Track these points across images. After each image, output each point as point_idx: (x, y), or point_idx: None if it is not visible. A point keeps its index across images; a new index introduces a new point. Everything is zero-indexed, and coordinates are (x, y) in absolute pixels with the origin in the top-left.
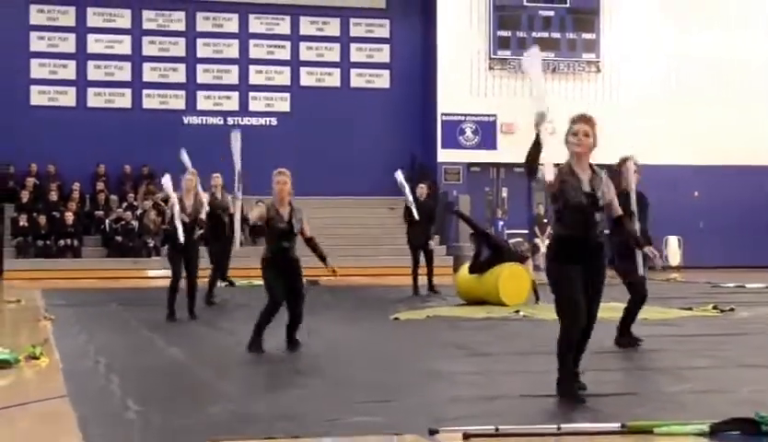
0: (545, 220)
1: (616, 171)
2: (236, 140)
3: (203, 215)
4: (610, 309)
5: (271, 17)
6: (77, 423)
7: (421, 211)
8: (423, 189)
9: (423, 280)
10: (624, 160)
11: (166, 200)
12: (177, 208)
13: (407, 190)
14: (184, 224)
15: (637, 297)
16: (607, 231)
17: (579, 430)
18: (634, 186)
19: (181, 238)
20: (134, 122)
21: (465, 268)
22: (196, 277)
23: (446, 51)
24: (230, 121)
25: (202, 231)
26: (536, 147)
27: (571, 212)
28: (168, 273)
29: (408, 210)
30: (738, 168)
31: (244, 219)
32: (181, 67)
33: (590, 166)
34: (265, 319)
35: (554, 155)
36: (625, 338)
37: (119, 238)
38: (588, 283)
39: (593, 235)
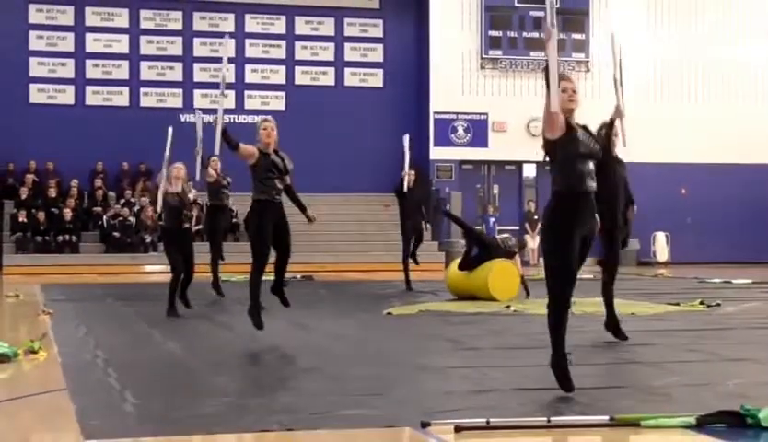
0: (536, 217)
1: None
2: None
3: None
4: (599, 305)
5: (266, 17)
6: (76, 415)
7: (409, 199)
8: (411, 175)
9: (412, 275)
10: (610, 124)
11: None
12: (164, 179)
13: (407, 157)
14: (169, 205)
15: (608, 273)
16: None
17: (568, 423)
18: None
19: (159, 207)
20: (132, 120)
21: (455, 264)
22: (194, 270)
23: (438, 50)
24: (226, 119)
25: (199, 227)
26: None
27: (574, 162)
28: (166, 268)
29: (401, 182)
30: (726, 166)
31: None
32: (178, 66)
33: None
34: (257, 279)
35: (542, 152)
36: (613, 323)
37: (116, 234)
38: (581, 241)
39: (592, 186)
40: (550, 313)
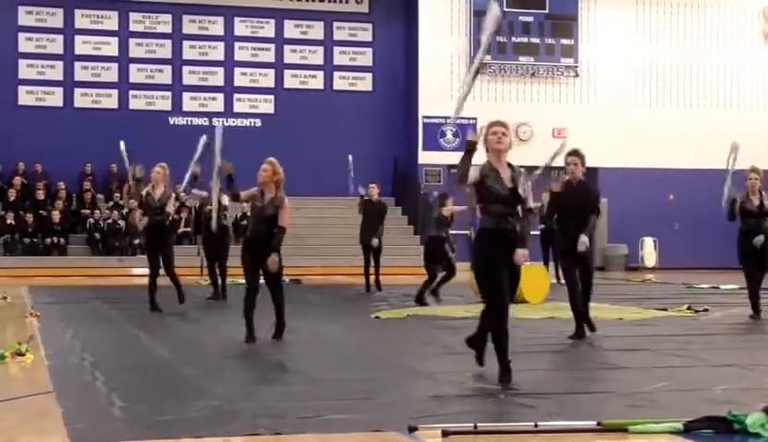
0: None
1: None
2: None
3: (170, 208)
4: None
5: (255, 21)
6: (63, 418)
7: (371, 210)
8: (373, 189)
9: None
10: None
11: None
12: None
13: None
14: (152, 216)
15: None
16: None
17: (556, 428)
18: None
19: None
20: (121, 123)
21: None
22: (172, 268)
23: (427, 55)
24: (215, 122)
25: (188, 230)
26: (469, 159)
27: (493, 204)
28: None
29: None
30: (714, 172)
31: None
32: (167, 69)
33: (509, 164)
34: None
35: (529, 158)
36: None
37: (97, 235)
38: (508, 269)
39: (512, 225)
40: (492, 327)
